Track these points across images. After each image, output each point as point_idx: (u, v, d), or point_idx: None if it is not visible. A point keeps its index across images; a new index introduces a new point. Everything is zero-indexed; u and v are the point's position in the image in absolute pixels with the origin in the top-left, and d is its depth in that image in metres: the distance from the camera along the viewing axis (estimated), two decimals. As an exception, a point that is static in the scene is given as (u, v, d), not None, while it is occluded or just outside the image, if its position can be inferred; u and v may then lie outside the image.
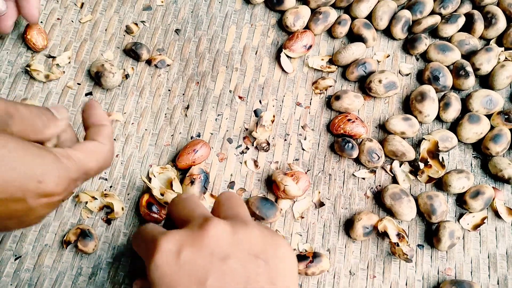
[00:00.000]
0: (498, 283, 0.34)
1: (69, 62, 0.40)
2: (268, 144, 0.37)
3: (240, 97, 0.39)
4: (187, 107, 0.39)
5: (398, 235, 0.34)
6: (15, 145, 0.22)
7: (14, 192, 0.22)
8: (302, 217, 0.35)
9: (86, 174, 0.25)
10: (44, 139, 0.25)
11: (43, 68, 0.39)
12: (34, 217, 0.24)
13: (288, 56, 0.40)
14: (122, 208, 0.35)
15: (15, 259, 0.33)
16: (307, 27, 0.41)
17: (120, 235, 0.34)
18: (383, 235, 0.35)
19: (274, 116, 0.38)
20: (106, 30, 0.41)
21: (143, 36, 0.41)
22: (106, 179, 0.36)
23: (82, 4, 0.42)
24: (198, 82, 0.40)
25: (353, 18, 0.42)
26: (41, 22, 0.40)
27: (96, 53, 0.40)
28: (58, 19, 0.41)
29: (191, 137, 0.37)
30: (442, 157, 0.36)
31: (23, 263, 0.33)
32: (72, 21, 0.41)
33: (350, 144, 0.36)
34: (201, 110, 0.39)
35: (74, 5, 0.42)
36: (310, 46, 0.40)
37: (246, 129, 0.38)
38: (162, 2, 0.42)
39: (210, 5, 0.43)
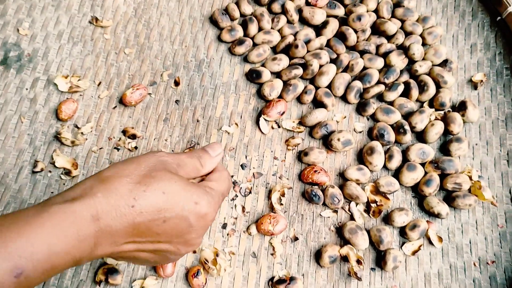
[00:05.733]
0: (431, 295, 0.45)
1: (91, 131, 0.49)
2: (250, 191, 0.48)
3: (230, 150, 0.49)
4: (188, 165, 0.49)
5: (358, 261, 0.45)
6: (180, 180, 0.32)
7: (179, 211, 0.32)
8: (274, 253, 0.45)
9: (223, 196, 0.36)
10: (201, 175, 0.37)
11: (70, 136, 0.49)
12: (195, 235, 0.33)
13: (266, 120, 0.51)
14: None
15: (58, 293, 0.42)
16: (280, 96, 0.52)
17: (139, 270, 0.44)
18: (345, 259, 0.45)
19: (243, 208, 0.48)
20: (119, 102, 0.51)
21: (150, 106, 0.51)
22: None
23: (100, 83, 0.52)
24: (193, 145, 0.50)
25: (317, 87, 0.53)
26: (68, 98, 0.50)
27: (113, 123, 0.50)
28: (80, 95, 0.51)
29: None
30: (384, 192, 0.47)
31: (64, 295, 0.42)
32: (92, 96, 0.51)
33: (317, 196, 0.47)
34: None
35: (93, 83, 0.52)
36: (283, 112, 0.51)
37: (235, 181, 0.48)
38: (166, 79, 0.53)
39: (202, 79, 0.53)
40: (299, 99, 0.53)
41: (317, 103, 0.52)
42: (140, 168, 0.32)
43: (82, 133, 0.49)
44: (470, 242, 0.47)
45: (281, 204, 0.47)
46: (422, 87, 0.52)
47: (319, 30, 0.56)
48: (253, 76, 0.52)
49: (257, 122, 0.51)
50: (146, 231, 0.31)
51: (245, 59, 0.54)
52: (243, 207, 0.47)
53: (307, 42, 0.54)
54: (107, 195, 0.30)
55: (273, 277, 0.44)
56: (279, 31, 0.55)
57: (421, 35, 0.55)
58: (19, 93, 0.50)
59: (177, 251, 0.34)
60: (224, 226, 0.46)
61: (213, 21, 0.56)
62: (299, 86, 0.52)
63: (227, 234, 0.46)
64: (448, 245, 0.46)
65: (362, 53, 0.54)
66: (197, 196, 0.33)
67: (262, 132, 0.51)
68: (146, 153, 0.35)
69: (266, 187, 0.48)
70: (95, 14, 0.55)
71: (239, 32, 0.55)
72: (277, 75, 0.53)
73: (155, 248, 0.33)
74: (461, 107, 0.51)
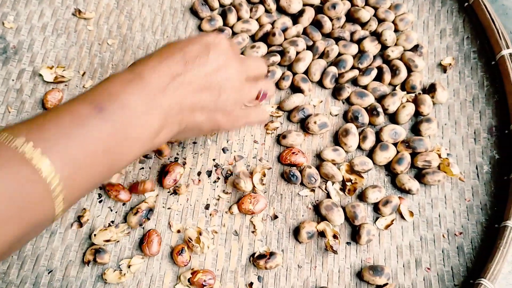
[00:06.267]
0: (403, 266, 0.47)
1: (77, 119, 0.51)
2: (231, 173, 0.50)
3: (211, 134, 0.52)
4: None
5: (334, 236, 0.47)
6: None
7: (191, 42, 0.37)
8: (254, 230, 0.48)
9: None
10: None
11: (56, 124, 0.50)
12: (221, 57, 0.37)
13: (246, 106, 0.53)
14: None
15: (48, 273, 0.44)
16: (259, 83, 0.54)
17: (126, 249, 0.46)
18: (322, 234, 0.47)
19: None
20: (104, 91, 0.53)
21: (133, 95, 0.53)
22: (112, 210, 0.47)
23: (84, 73, 0.53)
24: (178, 129, 0.52)
25: (294, 73, 0.55)
26: (53, 88, 0.52)
27: (98, 111, 0.52)
28: (65, 85, 0.53)
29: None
30: (359, 171, 0.49)
31: (54, 275, 0.44)
32: (77, 86, 0.53)
33: (295, 176, 0.49)
34: (182, 150, 0.51)
35: (78, 73, 0.53)
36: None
37: (217, 164, 0.51)
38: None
39: (184, 67, 0.55)
40: (277, 85, 0.55)
41: (295, 89, 0.54)
42: None
43: (68, 121, 0.51)
44: (439, 216, 0.49)
45: (263, 184, 0.49)
46: (394, 71, 0.55)
47: (295, 18, 0.58)
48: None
49: (237, 108, 0.53)
50: (173, 56, 0.36)
51: (225, 47, 0.56)
52: (224, 191, 0.49)
53: (284, 30, 0.56)
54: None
55: (254, 253, 0.47)
56: (257, 20, 0.57)
57: (393, 22, 0.58)
58: (6, 84, 0.52)
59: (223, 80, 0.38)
60: (207, 207, 0.49)
61: (193, 11, 0.58)
62: (277, 72, 0.54)
63: (210, 215, 0.48)
64: (418, 219, 0.49)
65: (337, 40, 0.57)
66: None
67: (242, 117, 0.53)
68: None
69: (247, 170, 0.51)
70: (78, 7, 0.56)
71: (219, 22, 0.57)
72: (256, 62, 0.55)
73: (204, 81, 0.37)
74: (431, 89, 0.54)
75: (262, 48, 0.55)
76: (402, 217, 0.49)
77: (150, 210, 0.47)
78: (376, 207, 0.49)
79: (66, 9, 0.56)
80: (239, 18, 0.57)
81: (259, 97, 0.42)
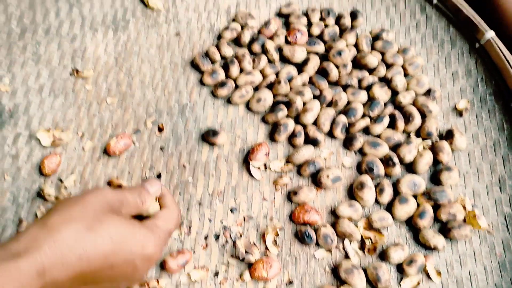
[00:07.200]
0: (435, 334, 0.43)
1: (74, 184, 0.48)
2: (247, 253, 0.45)
3: (218, 194, 0.48)
4: (175, 212, 0.47)
5: (356, 301, 0.43)
6: (126, 224, 0.34)
7: (127, 256, 0.33)
8: None
9: (169, 234, 0.38)
10: (142, 211, 0.39)
11: (53, 192, 0.47)
12: (139, 275, 0.35)
13: (254, 166, 0.50)
14: None
15: None
16: (272, 139, 0.52)
17: (129, 327, 0.42)
18: (343, 303, 0.43)
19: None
20: (103, 152, 0.50)
21: (134, 155, 0.50)
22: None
23: (82, 134, 0.51)
24: (180, 193, 0.49)
25: (303, 125, 0.52)
26: (50, 152, 0.50)
27: (97, 174, 0.49)
28: (63, 148, 0.50)
29: (180, 240, 0.46)
30: (378, 228, 0.46)
31: None
32: (75, 148, 0.50)
33: (310, 237, 0.45)
34: (186, 212, 0.48)
35: (76, 134, 0.51)
36: (268, 152, 0.50)
37: (225, 226, 0.47)
38: (150, 126, 0.52)
39: (187, 124, 0.53)
40: (290, 142, 0.52)
41: (308, 140, 0.51)
42: (86, 210, 0.33)
43: (65, 187, 0.48)
44: (469, 274, 0.45)
45: (277, 246, 0.46)
46: (408, 118, 0.52)
47: (300, 67, 0.56)
48: (210, 135, 0.51)
49: (244, 164, 0.50)
50: (93, 279, 0.32)
51: (229, 101, 0.54)
52: (233, 255, 0.46)
53: (290, 80, 0.54)
54: (54, 247, 0.29)
55: (269, 326, 0.43)
56: (261, 71, 0.55)
57: (403, 66, 0.55)
58: (1, 150, 0.49)
59: (118, 286, 0.36)
60: (216, 274, 0.45)
61: (194, 65, 0.56)
62: (289, 124, 0.51)
63: (220, 283, 0.44)
64: (447, 279, 0.45)
65: (345, 87, 0.55)
66: (143, 237, 0.34)
67: (254, 178, 0.50)
68: (91, 191, 0.35)
69: (257, 230, 0.47)
70: (76, 66, 0.55)
71: (221, 75, 0.55)
72: (262, 118, 0.53)
73: None
74: (448, 135, 0.51)
75: (268, 99, 0.53)
76: (429, 277, 0.45)
77: None
78: (400, 267, 0.45)
79: (64, 69, 0.55)
80: (241, 70, 0.55)
81: None
